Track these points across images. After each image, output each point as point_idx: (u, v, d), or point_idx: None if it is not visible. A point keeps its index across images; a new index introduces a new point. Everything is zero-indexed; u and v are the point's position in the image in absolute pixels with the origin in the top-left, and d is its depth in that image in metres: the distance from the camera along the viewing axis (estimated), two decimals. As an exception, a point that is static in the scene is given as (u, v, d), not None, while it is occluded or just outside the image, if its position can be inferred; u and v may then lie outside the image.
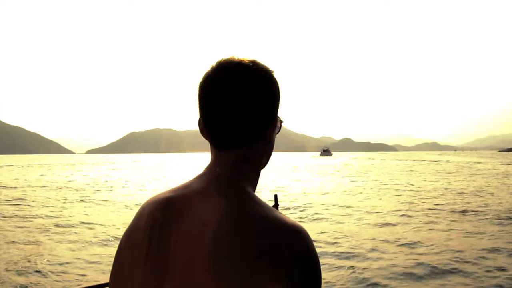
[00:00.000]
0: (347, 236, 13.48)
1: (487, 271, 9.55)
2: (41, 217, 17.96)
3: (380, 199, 23.53)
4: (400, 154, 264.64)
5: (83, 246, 12.65)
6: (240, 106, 1.03)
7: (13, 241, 13.32)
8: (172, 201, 1.04)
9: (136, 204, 21.61)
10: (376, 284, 8.90)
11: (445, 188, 28.62)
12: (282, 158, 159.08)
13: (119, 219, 17.04)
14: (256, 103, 1.05)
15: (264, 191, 27.70)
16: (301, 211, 18.98)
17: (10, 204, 22.27)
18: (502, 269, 9.61)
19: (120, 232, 14.17)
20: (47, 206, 21.42)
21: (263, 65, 1.10)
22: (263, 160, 1.15)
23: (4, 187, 34.00)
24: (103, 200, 23.84)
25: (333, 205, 21.04)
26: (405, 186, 31.15)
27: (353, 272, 9.63)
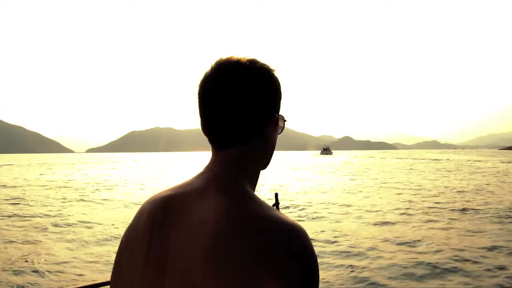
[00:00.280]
0: (346, 234, 13.39)
1: (487, 269, 9.48)
2: (40, 216, 17.89)
3: (380, 197, 23.48)
4: (400, 153, 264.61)
5: (81, 245, 12.58)
6: (237, 104, 1.04)
7: (11, 241, 13.26)
8: (172, 200, 1.04)
9: (135, 203, 21.56)
10: (375, 283, 8.83)
11: (445, 187, 28.56)
12: (283, 157, 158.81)
13: (118, 218, 16.96)
14: (254, 102, 1.05)
15: (264, 189, 27.66)
16: (300, 209, 18.91)
17: (9, 203, 22.22)
18: (502, 268, 9.54)
19: (118, 231, 14.24)
20: (45, 205, 21.37)
21: (262, 63, 1.11)
22: (263, 159, 1.15)
23: (4, 186, 33.97)
24: (102, 200, 23.76)
25: (333, 203, 20.97)
26: (405, 185, 31.10)
27: (352, 271, 9.57)
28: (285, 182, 34.26)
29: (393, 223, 15.23)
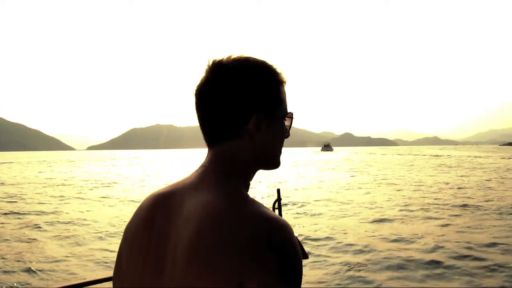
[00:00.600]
0: (345, 231, 13.27)
1: (488, 267, 9.32)
2: (36, 214, 17.74)
3: (380, 194, 23.29)
4: (401, 149, 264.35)
5: (75, 243, 12.43)
6: (216, 103, 1.09)
7: (5, 239, 13.11)
8: (167, 196, 1.08)
9: (133, 201, 21.40)
10: (373, 281, 8.73)
11: (446, 183, 28.38)
12: (283, 154, 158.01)
13: (115, 216, 16.81)
14: (229, 100, 1.09)
15: (263, 186, 27.57)
16: (299, 206, 18.76)
17: (6, 201, 22.07)
18: (502, 266, 9.35)
19: (114, 229, 14.16)
20: (42, 203, 21.22)
21: (246, 61, 1.13)
22: (256, 157, 1.15)
23: (2, 183, 33.80)
24: (100, 197, 23.62)
25: (333, 200, 20.83)
26: (406, 181, 30.95)
27: (350, 268, 9.46)
28: (284, 179, 34.10)
29: (392, 220, 15.05)
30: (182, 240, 0.96)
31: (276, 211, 5.52)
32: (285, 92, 1.18)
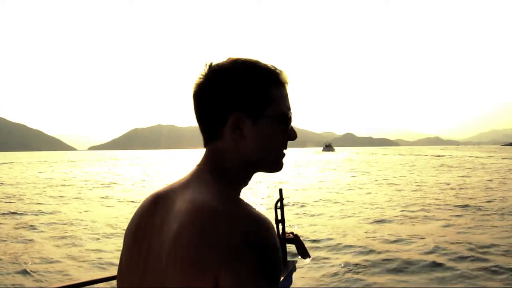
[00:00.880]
0: (345, 231, 13.17)
1: (489, 268, 9.20)
2: (33, 214, 17.63)
3: (381, 194, 23.15)
4: (403, 149, 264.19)
5: (72, 244, 12.31)
6: (201, 105, 1.15)
7: (1, 239, 13.00)
8: (164, 195, 1.13)
9: (132, 201, 21.26)
10: (372, 281, 8.66)
11: (447, 183, 28.20)
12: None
13: (113, 217, 16.70)
14: (210, 101, 1.13)
15: (265, 186, 27.43)
16: (299, 207, 18.61)
17: (4, 202, 21.96)
18: (502, 267, 9.22)
19: (111, 230, 14.08)
20: (40, 203, 21.10)
21: (233, 62, 1.16)
22: (239, 157, 1.17)
23: (1, 184, 33.71)
24: (99, 198, 23.50)
25: (333, 200, 20.73)
26: (407, 181, 30.80)
27: (349, 269, 9.38)
28: (285, 179, 33.99)
29: (393, 220, 14.92)
30: (168, 236, 1.00)
31: (279, 211, 5.43)
32: (280, 93, 1.17)
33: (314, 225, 14.50)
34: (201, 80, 1.15)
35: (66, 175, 45.27)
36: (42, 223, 15.53)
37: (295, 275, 5.55)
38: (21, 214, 17.84)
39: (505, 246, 10.91)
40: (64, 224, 15.39)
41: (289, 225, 9.73)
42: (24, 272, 9.59)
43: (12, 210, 18.71)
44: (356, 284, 8.62)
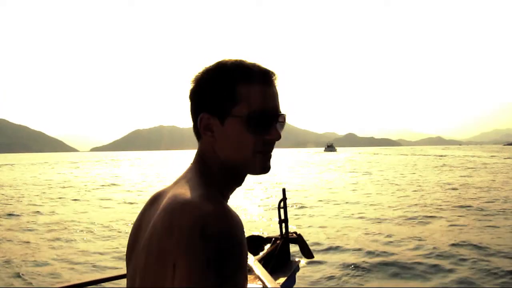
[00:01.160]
0: (345, 232, 13.04)
1: (490, 269, 9.03)
2: (31, 216, 17.46)
3: (382, 194, 22.92)
4: (404, 149, 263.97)
5: (69, 245, 12.17)
6: (190, 108, 1.23)
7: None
8: (159, 194, 1.20)
9: (131, 203, 21.05)
10: (372, 282, 8.59)
11: (449, 183, 27.92)
12: (286, 154, 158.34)
13: (112, 218, 16.51)
14: (191, 101, 1.21)
15: (265, 186, 27.25)
16: (300, 207, 18.36)
17: (3, 204, 21.78)
18: (504, 268, 9.02)
19: (108, 231, 13.95)
20: (39, 205, 20.91)
21: (213, 63, 1.19)
22: (217, 157, 1.19)
23: (1, 186, 33.51)
24: (99, 199, 23.34)
25: (334, 200, 20.56)
26: (409, 182, 30.57)
27: (349, 270, 9.25)
28: (286, 180, 33.77)
29: (394, 221, 14.70)
30: (149, 231, 1.09)
31: (282, 211, 5.38)
32: (251, 90, 1.15)
33: (314, 225, 14.30)
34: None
35: (66, 176, 45.15)
36: (38, 225, 15.35)
37: (298, 275, 5.52)
38: (18, 215, 17.66)
39: (508, 247, 10.73)
40: (61, 225, 15.17)
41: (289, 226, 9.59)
42: (16, 275, 9.41)
43: (9, 212, 18.52)
44: (355, 285, 8.51)
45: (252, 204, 19.34)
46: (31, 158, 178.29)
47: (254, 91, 1.15)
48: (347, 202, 19.77)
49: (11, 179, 41.11)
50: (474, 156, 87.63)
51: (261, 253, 5.02)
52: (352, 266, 9.47)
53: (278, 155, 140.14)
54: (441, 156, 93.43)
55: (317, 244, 11.38)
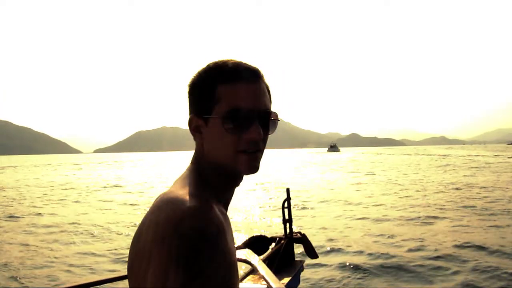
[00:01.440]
0: (346, 233, 12.91)
1: (491, 271, 8.85)
2: (31, 217, 17.35)
3: (385, 194, 22.74)
4: (408, 149, 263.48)
5: (66, 247, 12.04)
6: None
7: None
8: (162, 193, 1.18)
9: (132, 204, 20.92)
10: (372, 283, 8.48)
11: (453, 183, 27.68)
12: (289, 155, 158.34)
13: (110, 219, 16.36)
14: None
15: (263, 187, 27.09)
16: (301, 208, 18.16)
17: (4, 205, 21.69)
18: (506, 270, 8.84)
19: (106, 232, 13.83)
20: (39, 207, 20.81)
21: (203, 66, 1.22)
22: (206, 159, 1.21)
23: (2, 187, 33.44)
24: (99, 200, 23.24)
25: (336, 201, 20.43)
26: (412, 181, 30.36)
27: (349, 271, 9.17)
28: (287, 180, 33.67)
29: (395, 222, 14.54)
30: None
31: (286, 211, 5.29)
32: (230, 89, 1.16)
33: (315, 225, 14.15)
34: None
35: (69, 178, 45.12)
36: (39, 227, 15.25)
37: (302, 275, 5.46)
38: (19, 217, 17.55)
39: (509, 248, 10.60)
40: (61, 227, 15.04)
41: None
42: (14, 277, 9.31)
43: (10, 214, 18.42)
44: (362, 285, 8.44)
45: (254, 204, 19.22)
46: (34, 159, 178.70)
47: (232, 90, 1.15)
48: (350, 203, 19.60)
49: (14, 181, 41.09)
50: (478, 155, 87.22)
51: (266, 253, 4.94)
52: (356, 266, 9.37)
53: (281, 156, 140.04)
54: (445, 155, 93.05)
55: (321, 244, 11.27)
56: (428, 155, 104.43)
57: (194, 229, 0.97)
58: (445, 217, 15.05)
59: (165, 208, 1.04)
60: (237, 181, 1.25)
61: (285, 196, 5.56)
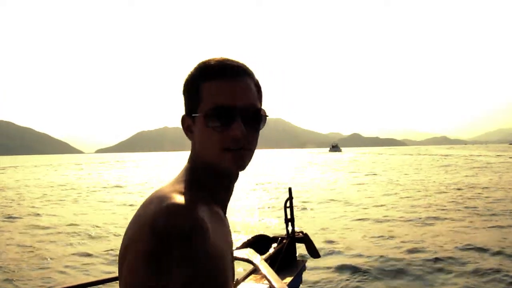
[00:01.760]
0: (346, 233, 12.83)
1: (491, 272, 8.75)
2: (29, 218, 17.24)
3: (386, 195, 22.60)
4: (409, 149, 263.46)
5: (64, 248, 11.92)
6: None
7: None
8: None
9: (132, 205, 20.78)
10: (372, 285, 8.41)
11: (455, 183, 27.53)
12: (290, 155, 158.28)
13: (109, 220, 16.27)
14: None
15: (267, 187, 26.97)
16: (302, 208, 17.99)
17: (3, 206, 21.55)
18: (502, 271, 8.74)
19: (104, 233, 13.78)
20: (38, 207, 20.70)
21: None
22: (201, 156, 1.21)
23: (2, 188, 33.37)
24: (98, 201, 23.14)
25: (336, 201, 20.35)
26: (413, 182, 30.20)
27: (349, 271, 9.09)
28: (287, 180, 33.50)
29: (396, 222, 14.40)
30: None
31: (288, 210, 5.36)
32: (211, 86, 1.15)
33: (319, 226, 14.01)
34: None
35: (69, 178, 45.10)
36: (36, 227, 15.14)
37: (304, 274, 5.57)
38: (16, 218, 17.43)
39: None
40: (59, 228, 14.93)
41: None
42: (9, 279, 9.19)
43: (8, 214, 18.30)
44: (363, 285, 8.40)
45: (254, 204, 19.10)
46: (36, 160, 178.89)
47: (214, 87, 1.14)
48: (351, 203, 19.48)
49: (13, 181, 41.04)
50: (479, 155, 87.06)
51: (268, 253, 5.01)
52: (357, 267, 9.30)
53: (283, 156, 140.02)
54: (446, 155, 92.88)
55: (322, 244, 11.16)
56: (429, 155, 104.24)
57: (168, 226, 0.96)
58: (446, 218, 14.90)
59: (148, 205, 1.05)
60: (230, 180, 1.23)
61: (286, 196, 5.63)
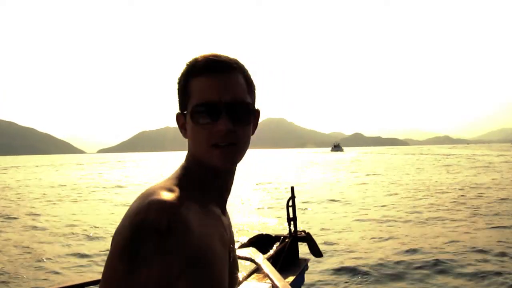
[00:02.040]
0: (346, 233, 12.77)
1: (496, 272, 8.67)
2: (28, 218, 17.19)
3: (387, 195, 22.52)
4: (412, 149, 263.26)
5: (62, 248, 11.91)
6: None
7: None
8: None
9: (128, 205, 20.66)
10: (372, 285, 8.36)
11: (457, 183, 27.40)
12: (292, 155, 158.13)
13: (107, 220, 16.15)
14: None
15: (267, 187, 26.90)
16: (303, 209, 17.84)
17: (2, 206, 21.51)
18: (504, 272, 8.65)
19: (103, 233, 13.74)
20: (37, 207, 20.69)
21: None
22: (194, 153, 1.20)
23: (3, 188, 33.37)
24: (98, 200, 23.12)
25: (337, 200, 20.32)
26: (415, 182, 30.09)
27: (348, 272, 9.05)
28: (288, 180, 33.46)
29: (396, 222, 14.32)
30: None
31: (290, 209, 5.39)
32: (198, 83, 1.15)
33: (321, 226, 13.95)
34: None
35: (70, 178, 45.12)
36: (35, 227, 15.11)
37: (307, 273, 5.55)
38: (15, 218, 17.37)
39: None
40: (58, 228, 14.89)
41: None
42: (8, 278, 9.20)
43: (6, 214, 18.25)
44: (365, 285, 8.39)
45: (254, 204, 18.94)
46: (38, 160, 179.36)
47: (199, 83, 1.14)
48: (353, 203, 19.41)
49: (14, 181, 41.09)
50: (482, 155, 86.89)
51: (270, 252, 5.02)
52: (357, 267, 9.27)
53: (285, 156, 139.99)
54: (448, 155, 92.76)
55: (323, 244, 11.06)
56: (431, 154, 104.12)
57: (145, 221, 0.96)
58: (447, 218, 14.78)
59: (136, 201, 1.04)
60: (224, 176, 1.22)
61: (287, 196, 5.65)
